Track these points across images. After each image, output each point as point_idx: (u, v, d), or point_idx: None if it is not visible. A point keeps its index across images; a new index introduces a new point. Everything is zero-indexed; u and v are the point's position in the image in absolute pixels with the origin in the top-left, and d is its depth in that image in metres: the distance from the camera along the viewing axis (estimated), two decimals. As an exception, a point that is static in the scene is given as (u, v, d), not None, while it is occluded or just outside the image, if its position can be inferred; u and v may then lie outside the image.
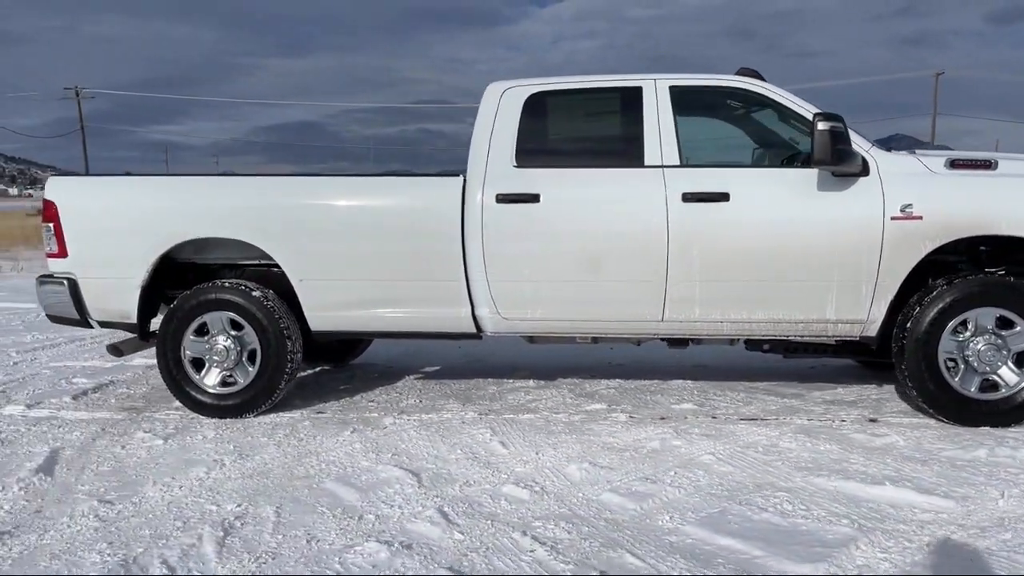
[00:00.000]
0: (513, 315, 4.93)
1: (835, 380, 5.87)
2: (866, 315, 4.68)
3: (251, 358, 5.11)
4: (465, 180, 4.91)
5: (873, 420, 4.82)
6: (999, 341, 4.55)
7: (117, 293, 5.13)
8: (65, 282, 5.14)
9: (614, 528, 3.36)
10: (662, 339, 5.22)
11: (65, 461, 4.35)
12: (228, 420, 5.04)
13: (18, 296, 11.67)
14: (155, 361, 6.74)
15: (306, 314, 5.06)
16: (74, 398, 5.68)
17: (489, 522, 3.44)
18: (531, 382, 5.95)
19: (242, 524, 3.47)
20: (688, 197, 4.67)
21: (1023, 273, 4.64)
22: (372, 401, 5.54)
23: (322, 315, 5.06)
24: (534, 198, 4.79)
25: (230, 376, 5.13)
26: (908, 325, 4.62)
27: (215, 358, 5.10)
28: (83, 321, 5.24)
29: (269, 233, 4.96)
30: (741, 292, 4.72)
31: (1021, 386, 4.56)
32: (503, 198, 4.81)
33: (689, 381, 5.88)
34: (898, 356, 4.70)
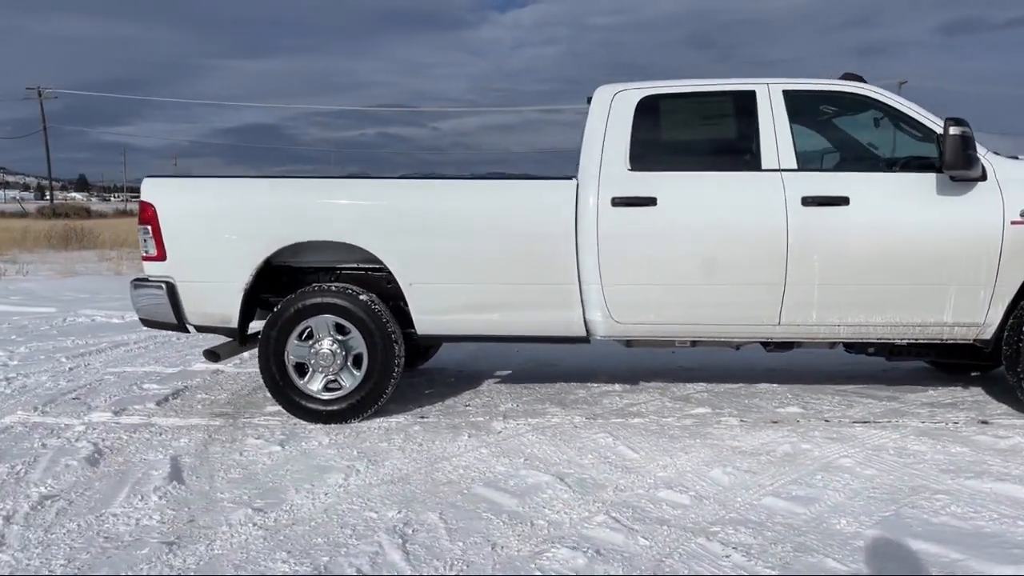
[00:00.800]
0: (626, 319, 4.90)
1: (916, 382, 5.91)
2: (983, 318, 4.72)
3: (356, 363, 5.03)
4: (577, 183, 4.87)
5: (984, 422, 4.86)
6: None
7: (218, 297, 5.02)
8: (163, 286, 5.02)
9: (795, 532, 3.35)
10: (762, 343, 5.23)
11: (189, 469, 4.23)
12: (336, 426, 4.95)
13: (36, 301, 11.40)
14: (220, 367, 6.67)
15: (414, 318, 4.99)
16: (158, 404, 5.56)
17: (665, 527, 3.41)
18: (616, 386, 5.93)
19: (414, 531, 3.40)
20: (808, 201, 4.68)
21: None
22: (468, 405, 5.47)
23: (430, 319, 4.99)
24: (651, 201, 4.77)
25: (334, 381, 5.04)
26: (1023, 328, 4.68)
27: (320, 363, 5.00)
28: (180, 326, 5.11)
29: (380, 236, 4.89)
30: (860, 296, 4.73)
31: None
32: (619, 201, 4.79)
33: (776, 384, 5.90)
34: (1011, 359, 4.75)
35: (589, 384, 6.03)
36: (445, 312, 4.97)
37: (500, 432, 4.80)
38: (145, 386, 6.15)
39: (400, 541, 3.30)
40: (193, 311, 5.06)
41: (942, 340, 4.85)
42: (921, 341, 4.89)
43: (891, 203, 4.69)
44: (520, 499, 3.74)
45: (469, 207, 4.89)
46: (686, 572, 3.02)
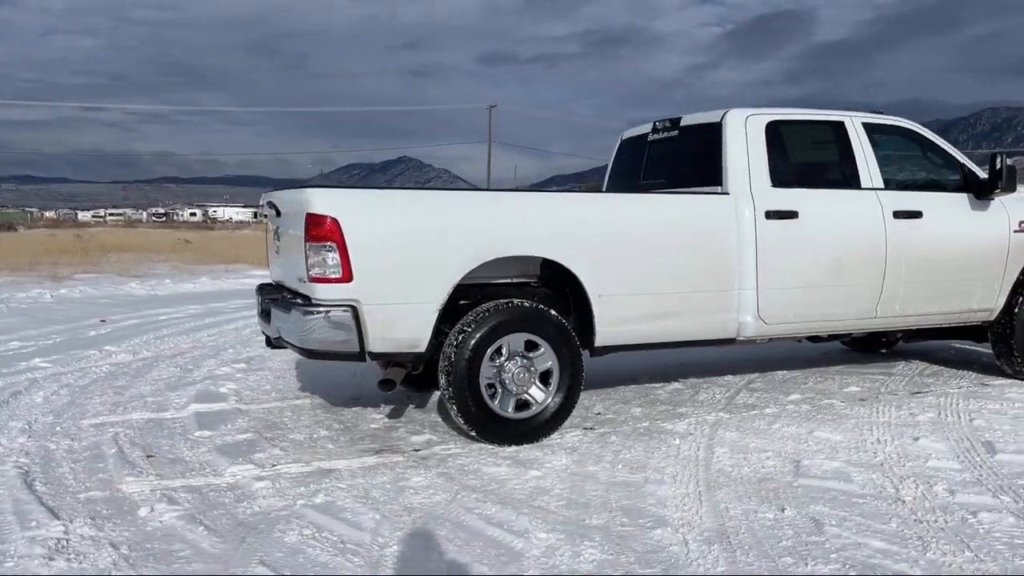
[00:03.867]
0: (772, 319, 5.48)
1: (869, 362, 7.33)
2: (994, 304, 6.17)
3: (541, 379, 4.93)
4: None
5: (986, 384, 6.32)
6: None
7: (410, 319, 4.58)
8: (349, 310, 4.43)
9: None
10: (809, 338, 6.24)
11: (513, 509, 3.88)
12: (541, 444, 4.83)
13: None
14: (238, 406, 5.84)
15: (598, 329, 5.02)
16: (282, 451, 4.83)
17: (999, 488, 4.09)
18: (678, 384, 6.46)
19: (839, 523, 3.66)
20: (898, 214, 5.72)
21: None
22: (599, 414, 5.60)
23: (613, 330, 5.07)
24: (794, 215, 5.43)
25: (522, 400, 4.89)
26: (1015, 311, 6.22)
27: (514, 382, 4.82)
28: (359, 354, 4.54)
29: (576, 249, 4.88)
30: (927, 291, 5.90)
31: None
32: (772, 214, 5.36)
33: (785, 371, 6.92)
34: (1005, 336, 6.26)
35: (652, 384, 6.46)
36: (628, 322, 5.09)
37: (692, 434, 5.07)
38: (196, 434, 5.19)
39: (852, 532, 3.57)
40: (379, 336, 4.53)
41: (968, 323, 6.23)
42: (956, 325, 6.22)
43: (947, 217, 5.94)
44: (850, 484, 4.16)
45: (661, 219, 5.12)
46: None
